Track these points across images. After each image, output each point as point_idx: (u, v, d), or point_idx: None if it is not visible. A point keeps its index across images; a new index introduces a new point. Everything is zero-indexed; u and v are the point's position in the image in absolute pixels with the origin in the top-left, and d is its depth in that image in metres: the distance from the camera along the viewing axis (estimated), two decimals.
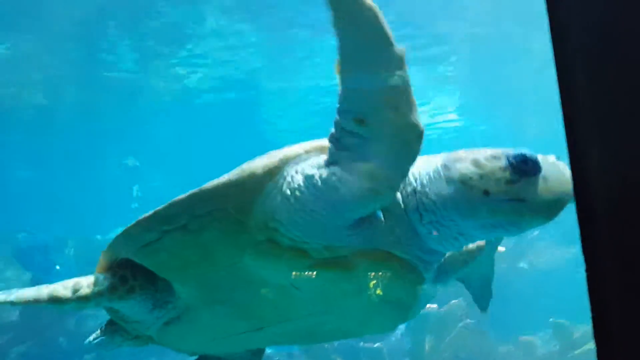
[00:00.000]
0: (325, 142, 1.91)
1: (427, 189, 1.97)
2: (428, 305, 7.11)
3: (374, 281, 2.09)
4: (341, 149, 1.79)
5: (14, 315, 8.57)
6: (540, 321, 7.64)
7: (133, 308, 2.39)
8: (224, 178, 1.99)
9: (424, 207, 1.99)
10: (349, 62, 1.65)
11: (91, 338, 2.65)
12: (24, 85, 13.37)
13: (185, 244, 2.13)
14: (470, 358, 7.16)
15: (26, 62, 11.89)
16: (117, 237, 2.25)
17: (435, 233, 2.02)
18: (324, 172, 1.83)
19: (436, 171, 1.96)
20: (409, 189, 1.99)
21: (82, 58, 11.96)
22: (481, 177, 1.84)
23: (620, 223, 0.90)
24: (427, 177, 1.98)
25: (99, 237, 14.13)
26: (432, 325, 6.87)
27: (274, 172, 1.96)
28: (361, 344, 7.55)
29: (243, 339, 2.55)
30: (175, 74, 13.29)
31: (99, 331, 2.64)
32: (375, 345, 7.35)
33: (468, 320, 7.10)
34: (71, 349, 9.51)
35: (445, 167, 1.94)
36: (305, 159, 1.95)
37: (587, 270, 0.94)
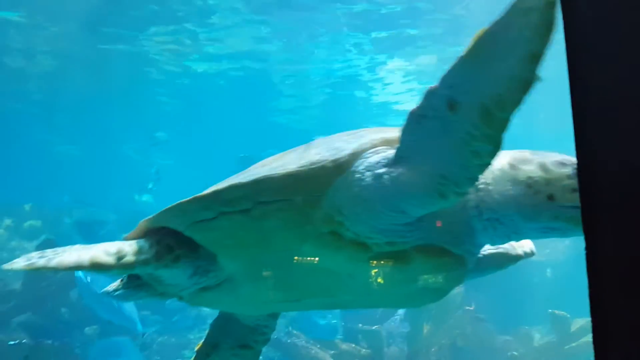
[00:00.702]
0: (391, 133, 1.91)
1: (490, 187, 1.98)
2: None
3: (425, 274, 2.14)
4: (415, 138, 1.72)
5: (17, 283, 8.64)
6: (539, 313, 7.67)
7: (172, 274, 2.36)
8: (292, 168, 1.97)
9: (485, 204, 2.00)
10: (493, 40, 1.44)
11: (110, 288, 2.56)
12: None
13: (244, 227, 2.13)
14: (468, 345, 7.19)
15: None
16: (168, 210, 2.23)
17: (491, 230, 2.03)
18: (393, 172, 1.81)
19: (501, 170, 1.96)
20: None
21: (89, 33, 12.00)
22: (547, 182, 1.87)
23: (624, 219, 0.90)
24: (492, 175, 1.98)
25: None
26: (431, 311, 6.90)
27: (343, 167, 1.94)
28: (359, 325, 7.61)
29: (275, 306, 2.60)
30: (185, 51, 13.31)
31: (119, 282, 2.56)
32: (374, 327, 7.40)
33: (467, 308, 7.12)
34: (72, 320, 9.59)
35: (512, 167, 1.95)
36: (373, 154, 1.92)
37: (588, 264, 0.93)
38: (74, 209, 15.74)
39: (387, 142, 1.94)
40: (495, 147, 1.56)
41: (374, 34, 12.18)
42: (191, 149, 22.75)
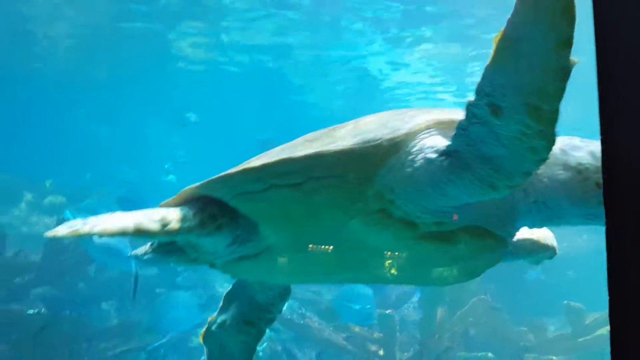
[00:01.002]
0: (443, 115, 1.93)
1: (540, 171, 2.00)
2: None
3: (467, 254, 2.15)
4: (465, 139, 1.73)
5: (37, 256, 8.75)
6: (555, 305, 7.62)
7: (212, 242, 2.37)
8: (346, 145, 1.97)
9: (533, 187, 2.03)
10: (514, 39, 1.43)
11: (139, 252, 2.56)
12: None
13: (293, 200, 2.15)
14: (481, 334, 7.19)
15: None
16: (215, 180, 2.24)
17: (535, 213, 2.07)
18: (444, 160, 1.82)
19: (552, 155, 1.92)
20: None
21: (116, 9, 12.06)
22: (597, 170, 1.90)
23: None
24: None
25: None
26: (445, 297, 6.89)
27: (398, 147, 1.95)
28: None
29: (309, 278, 2.63)
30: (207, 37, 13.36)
31: (148, 246, 2.56)
32: (388, 311, 7.42)
33: (482, 296, 7.11)
34: (90, 295, 9.71)
35: (563, 152, 1.98)
36: (427, 136, 1.93)
37: (608, 259, 0.92)
38: (96, 188, 15.85)
39: (439, 124, 1.95)
40: (549, 142, 1.59)
41: (398, 20, 12.09)
42: (212, 132, 22.84)
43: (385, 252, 2.21)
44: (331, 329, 7.64)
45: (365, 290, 7.13)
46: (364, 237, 2.16)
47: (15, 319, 7.45)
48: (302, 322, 7.75)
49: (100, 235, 2.11)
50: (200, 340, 2.99)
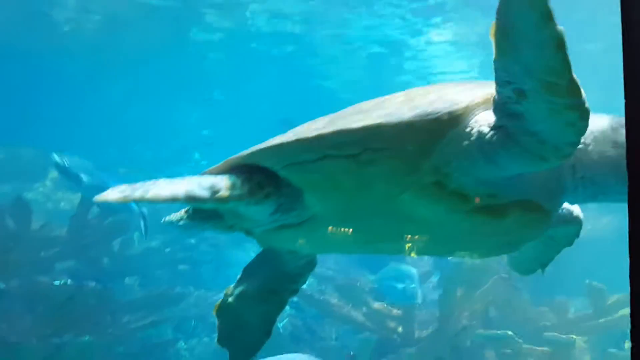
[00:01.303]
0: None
1: (590, 148, 2.04)
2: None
3: (515, 227, 2.18)
4: (505, 116, 1.81)
5: (61, 231, 8.90)
6: (576, 286, 7.57)
7: (256, 210, 2.36)
8: (406, 117, 1.97)
9: (582, 163, 2.07)
10: (508, 29, 1.54)
11: (173, 218, 2.55)
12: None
13: (346, 171, 2.15)
14: (500, 314, 7.18)
15: None
16: (265, 149, 2.25)
17: (581, 189, 2.11)
18: (495, 136, 1.87)
19: (602, 132, 2.02)
20: None
21: None
22: None
23: None
24: (592, 136, 2.04)
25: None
26: (465, 275, 6.86)
27: (457, 120, 1.96)
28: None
29: (351, 248, 2.65)
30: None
31: (183, 213, 2.54)
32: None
33: (503, 275, 7.09)
34: (114, 270, 9.88)
35: (614, 130, 2.01)
36: (483, 110, 1.97)
37: (630, 240, 0.92)
38: (120, 166, 15.91)
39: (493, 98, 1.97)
40: (581, 111, 1.64)
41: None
42: (234, 111, 22.90)
43: (433, 224, 2.22)
44: (350, 306, 7.68)
45: (409, 269, 7.11)
46: (414, 209, 2.17)
47: (40, 291, 7.61)
48: (321, 298, 7.81)
49: (151, 201, 2.11)
50: (214, 312, 2.94)
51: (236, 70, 18.16)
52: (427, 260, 9.69)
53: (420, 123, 1.95)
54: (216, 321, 2.92)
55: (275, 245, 2.74)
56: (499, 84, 1.71)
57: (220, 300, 2.96)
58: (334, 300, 7.74)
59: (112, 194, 2.11)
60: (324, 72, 18.14)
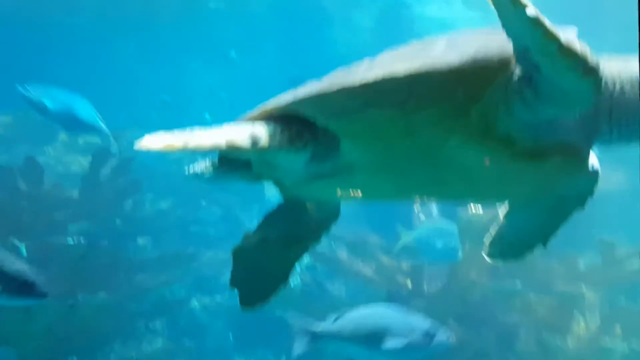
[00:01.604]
0: None
1: (626, 90, 2.06)
2: (473, 211, 7.12)
3: (554, 171, 2.19)
4: (528, 66, 1.85)
5: (74, 192, 8.98)
6: (586, 240, 7.53)
7: (292, 160, 2.31)
8: (454, 63, 1.95)
9: (618, 107, 2.09)
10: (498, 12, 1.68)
11: (198, 170, 2.47)
12: None
13: (391, 119, 2.11)
14: (509, 267, 7.19)
15: None
16: (307, 98, 2.19)
17: (616, 134, 2.15)
18: (528, 83, 1.90)
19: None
20: (606, 87, 2.07)
21: None
22: None
23: None
24: (629, 80, 2.07)
25: None
26: (473, 231, 6.85)
27: (506, 65, 1.95)
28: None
29: (384, 197, 2.63)
30: None
31: (208, 164, 2.48)
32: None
33: None
34: (126, 231, 10.00)
35: None
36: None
37: None
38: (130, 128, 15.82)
39: None
40: (584, 70, 1.72)
41: None
42: (242, 69, 22.75)
43: (472, 171, 2.20)
44: (360, 261, 7.74)
45: (449, 225, 7.02)
46: (455, 155, 2.15)
47: (54, 251, 7.72)
48: (332, 255, 7.86)
49: (193, 150, 2.06)
50: (231, 256, 2.83)
51: (244, 28, 18.00)
52: (435, 217, 9.67)
53: (471, 69, 1.93)
54: (231, 270, 2.83)
55: (305, 195, 2.65)
56: (509, 37, 1.78)
57: (238, 245, 2.80)
58: (343, 256, 7.79)
59: (154, 143, 2.03)
60: (331, 27, 17.94)
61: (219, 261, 11.10)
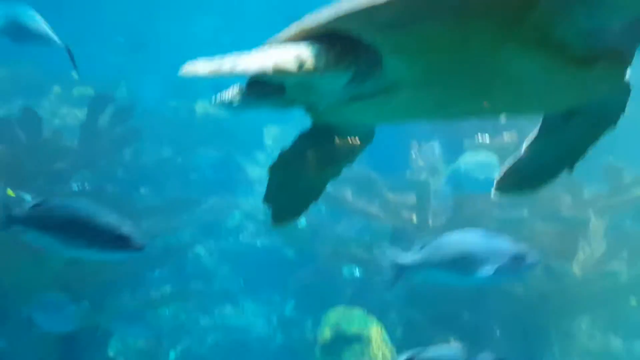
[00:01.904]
0: None
1: None
2: (480, 140, 7.11)
3: (601, 78, 2.12)
4: None
5: (73, 142, 8.93)
6: (593, 168, 7.49)
7: (332, 82, 2.20)
8: None
9: None
10: None
11: (227, 97, 2.32)
12: None
13: (442, 31, 2.01)
14: (515, 198, 7.22)
15: None
16: (353, 11, 2.05)
17: None
18: None
19: None
20: None
21: None
22: None
23: None
24: None
25: None
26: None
27: None
28: (408, 174, 7.74)
29: (426, 116, 2.55)
30: None
31: (236, 90, 2.32)
32: (422, 178, 7.50)
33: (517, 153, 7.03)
34: (127, 179, 10.01)
35: None
36: None
37: None
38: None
39: None
40: None
41: None
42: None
43: (522, 80, 2.12)
44: (364, 198, 7.76)
45: (489, 156, 6.97)
46: (508, 65, 2.07)
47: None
48: (336, 193, 7.86)
49: (240, 74, 1.97)
50: (267, 171, 2.82)
51: None
52: (437, 155, 9.66)
53: None
54: (264, 187, 2.81)
55: (339, 119, 2.56)
56: None
57: (275, 161, 2.74)
58: (348, 194, 7.80)
59: (200, 68, 1.96)
60: None
61: (221, 207, 11.18)
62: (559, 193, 7.12)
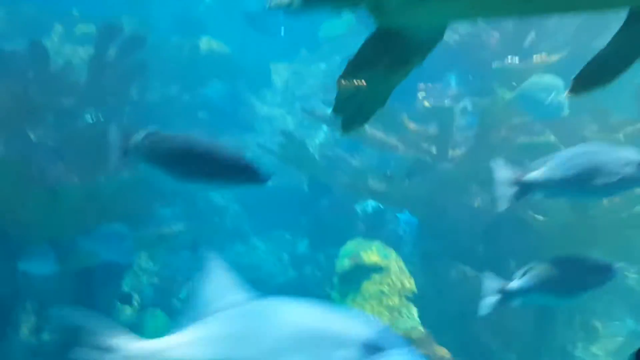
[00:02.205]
0: None
1: None
2: (509, 61, 6.90)
3: None
4: None
5: (81, 76, 8.72)
6: (622, 92, 7.29)
7: None
8: None
9: None
10: None
11: (282, 2, 2.12)
12: None
13: None
14: (542, 122, 7.07)
15: None
16: None
17: None
18: None
19: None
20: None
21: None
22: None
23: None
24: None
25: None
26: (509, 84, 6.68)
27: None
28: (430, 102, 7.58)
29: (488, 13, 2.38)
30: None
31: None
32: (446, 103, 7.31)
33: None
34: (136, 117, 9.81)
35: None
36: None
37: None
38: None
39: None
40: None
41: None
42: None
43: None
44: (382, 131, 7.61)
45: (554, 79, 6.71)
46: None
47: (71, 135, 7.61)
48: None
49: None
50: (337, 85, 2.71)
51: None
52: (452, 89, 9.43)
53: None
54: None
55: (410, 19, 2.33)
56: None
57: (342, 73, 2.74)
58: (366, 126, 7.64)
59: None
60: None
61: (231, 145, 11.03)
62: (584, 119, 6.97)
